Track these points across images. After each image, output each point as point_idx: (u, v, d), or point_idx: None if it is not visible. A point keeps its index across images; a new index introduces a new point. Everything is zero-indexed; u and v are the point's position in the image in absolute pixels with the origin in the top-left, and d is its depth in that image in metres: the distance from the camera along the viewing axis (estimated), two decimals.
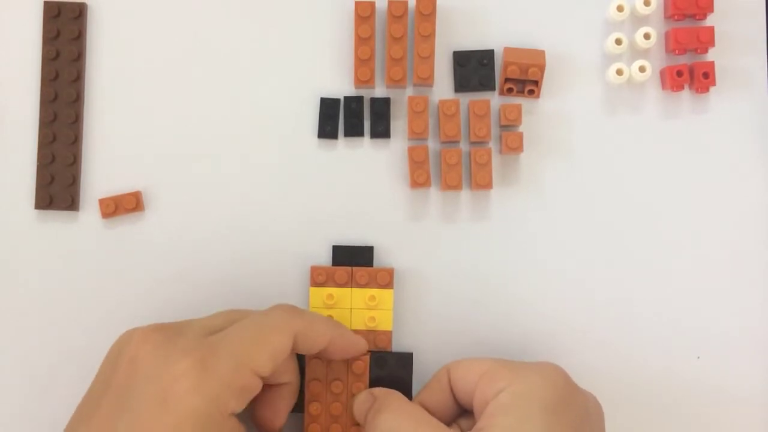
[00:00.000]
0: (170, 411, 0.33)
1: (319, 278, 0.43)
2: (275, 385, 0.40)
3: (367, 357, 0.43)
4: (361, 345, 0.42)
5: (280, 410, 0.40)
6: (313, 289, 0.43)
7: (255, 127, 0.45)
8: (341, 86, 0.46)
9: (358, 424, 0.42)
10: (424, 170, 0.44)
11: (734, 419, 0.44)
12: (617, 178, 0.45)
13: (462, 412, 0.40)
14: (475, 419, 0.38)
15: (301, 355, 0.42)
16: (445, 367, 0.40)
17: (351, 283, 0.43)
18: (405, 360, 0.43)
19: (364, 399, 0.40)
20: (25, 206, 0.45)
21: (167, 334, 0.36)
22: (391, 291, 0.43)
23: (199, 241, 0.45)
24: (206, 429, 0.34)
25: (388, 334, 0.43)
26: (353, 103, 0.45)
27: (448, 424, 0.40)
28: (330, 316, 0.42)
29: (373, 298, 0.43)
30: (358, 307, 0.43)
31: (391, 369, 0.43)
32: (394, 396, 0.40)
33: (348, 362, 0.42)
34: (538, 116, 0.45)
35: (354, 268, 0.43)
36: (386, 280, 0.43)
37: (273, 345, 0.36)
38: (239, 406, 0.36)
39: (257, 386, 0.36)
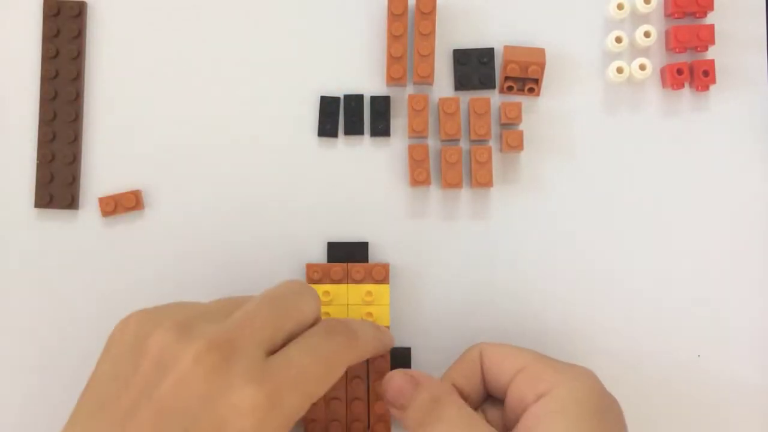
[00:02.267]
0: None
1: (314, 275, 0.43)
2: None
3: None
4: (392, 342, 0.41)
5: None
6: None
7: (255, 125, 0.45)
8: (341, 84, 0.46)
9: (357, 420, 0.42)
10: (424, 168, 0.44)
11: (735, 417, 0.44)
12: (617, 176, 0.45)
13: (487, 396, 0.40)
14: (507, 413, 0.37)
15: None
16: (477, 349, 0.39)
17: (347, 279, 0.43)
18: (403, 355, 0.43)
19: (403, 380, 0.38)
20: (24, 205, 0.45)
21: (223, 354, 0.32)
22: (387, 286, 0.43)
23: (198, 239, 0.45)
24: None
25: None
26: (353, 102, 0.45)
27: (476, 406, 0.40)
28: (373, 323, 0.41)
29: (369, 293, 0.43)
30: (354, 303, 0.43)
31: (390, 365, 0.43)
32: (449, 388, 0.38)
33: None
34: (539, 114, 0.45)
35: (349, 264, 0.43)
36: (382, 275, 0.43)
37: (333, 380, 0.35)
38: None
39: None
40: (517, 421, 0.36)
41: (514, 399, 0.37)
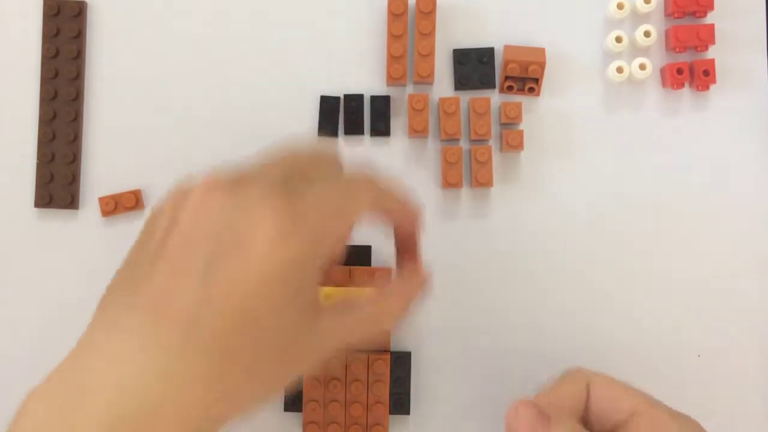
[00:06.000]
0: (255, 258, 0.29)
1: None
2: None
3: (367, 357, 0.42)
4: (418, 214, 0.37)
5: None
6: None
7: (255, 124, 0.45)
8: (341, 84, 0.46)
9: (355, 423, 0.42)
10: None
11: (735, 417, 0.44)
12: (617, 175, 0.45)
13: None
14: None
15: None
16: (585, 377, 0.37)
17: (349, 282, 0.43)
18: (403, 359, 0.43)
19: (532, 413, 0.34)
20: (24, 204, 0.45)
21: (236, 179, 0.30)
22: None
23: None
24: (293, 284, 0.29)
25: (386, 333, 0.43)
26: (353, 101, 0.45)
27: None
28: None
29: None
30: None
31: (390, 368, 0.43)
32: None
33: (346, 363, 0.42)
34: (539, 114, 0.45)
35: (352, 267, 0.43)
36: (384, 279, 0.43)
37: (357, 208, 0.32)
38: (320, 273, 0.31)
39: (334, 256, 0.32)
40: None
41: None
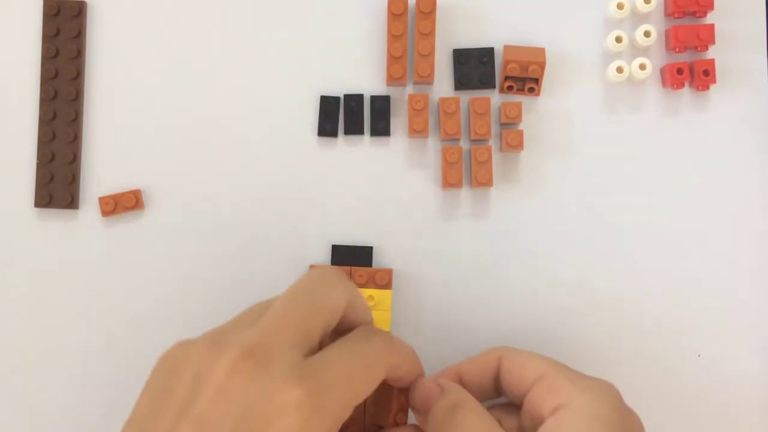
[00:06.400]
0: None
1: None
2: None
3: None
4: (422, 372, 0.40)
5: None
6: None
7: (255, 125, 0.45)
8: (341, 84, 0.46)
9: (353, 423, 0.42)
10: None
11: (735, 417, 0.44)
12: (617, 176, 0.45)
13: (497, 395, 0.39)
14: (524, 422, 0.37)
15: None
16: (497, 352, 0.39)
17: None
18: None
19: (430, 387, 0.38)
20: (24, 204, 0.45)
21: (259, 360, 0.31)
22: (389, 291, 0.43)
23: (199, 239, 0.45)
24: None
25: None
26: (353, 101, 0.45)
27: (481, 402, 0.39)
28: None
29: (371, 298, 0.43)
30: None
31: None
32: (470, 396, 0.37)
33: None
34: (539, 114, 0.45)
35: (353, 267, 0.43)
36: (385, 280, 0.43)
37: (373, 381, 0.34)
38: None
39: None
40: (533, 430, 0.35)
41: (531, 409, 0.36)
